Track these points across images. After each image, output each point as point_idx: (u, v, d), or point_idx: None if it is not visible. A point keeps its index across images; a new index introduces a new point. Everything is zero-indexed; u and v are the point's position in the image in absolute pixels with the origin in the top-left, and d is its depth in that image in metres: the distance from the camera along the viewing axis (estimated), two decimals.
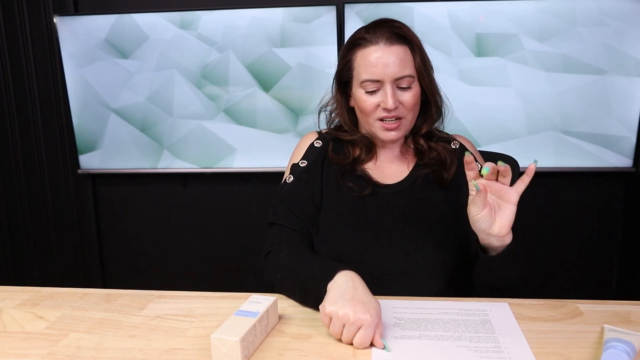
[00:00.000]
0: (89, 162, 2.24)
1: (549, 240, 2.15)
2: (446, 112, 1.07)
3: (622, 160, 1.98)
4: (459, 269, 0.97)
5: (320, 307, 0.76)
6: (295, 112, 2.09)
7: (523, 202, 2.32)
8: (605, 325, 0.78)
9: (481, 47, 1.96)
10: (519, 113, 1.99)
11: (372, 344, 0.73)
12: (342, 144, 1.07)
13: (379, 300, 0.78)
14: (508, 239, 0.85)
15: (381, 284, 0.96)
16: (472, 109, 2.01)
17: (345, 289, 0.75)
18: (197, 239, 2.33)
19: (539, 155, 2.00)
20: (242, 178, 2.23)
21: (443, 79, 1.95)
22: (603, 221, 2.12)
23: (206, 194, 2.27)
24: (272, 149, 2.13)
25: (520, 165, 1.92)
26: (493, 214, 0.84)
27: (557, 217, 2.12)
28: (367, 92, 0.97)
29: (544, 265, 2.17)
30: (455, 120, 1.99)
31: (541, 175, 2.06)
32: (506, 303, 0.88)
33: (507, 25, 1.94)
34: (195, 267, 2.36)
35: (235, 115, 2.12)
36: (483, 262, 0.89)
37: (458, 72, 1.99)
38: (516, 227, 0.85)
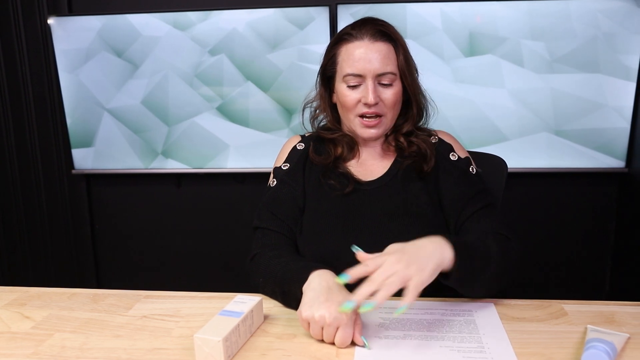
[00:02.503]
0: (83, 162, 2.24)
1: (542, 241, 2.15)
2: (432, 113, 1.08)
3: (614, 161, 1.99)
4: None
5: (297, 313, 0.76)
6: (289, 112, 2.10)
7: (516, 203, 2.32)
8: (588, 326, 0.78)
9: (474, 47, 1.97)
10: (511, 114, 2.00)
11: (354, 342, 0.74)
12: (323, 143, 1.08)
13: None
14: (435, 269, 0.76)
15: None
16: (465, 110, 2.01)
17: (319, 290, 0.76)
18: (191, 239, 2.33)
19: (532, 155, 2.00)
20: (235, 178, 2.23)
21: (435, 79, 1.97)
22: (596, 221, 2.12)
23: (200, 194, 2.28)
24: (265, 149, 2.13)
25: (513, 166, 1.93)
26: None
27: (550, 217, 2.13)
28: (349, 87, 0.98)
29: (537, 265, 2.18)
30: (447, 122, 2.00)
31: (534, 176, 2.08)
32: (492, 303, 0.88)
33: (500, 25, 1.94)
34: (190, 267, 2.36)
35: (229, 114, 2.12)
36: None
37: (450, 73, 1.99)
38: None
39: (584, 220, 2.13)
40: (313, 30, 2.01)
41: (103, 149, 2.22)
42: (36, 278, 2.38)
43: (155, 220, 2.34)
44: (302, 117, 1.11)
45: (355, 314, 0.74)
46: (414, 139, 1.04)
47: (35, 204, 2.33)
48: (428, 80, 2.10)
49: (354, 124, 1.01)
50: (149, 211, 2.33)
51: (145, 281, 2.39)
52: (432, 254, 0.76)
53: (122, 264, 2.41)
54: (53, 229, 2.36)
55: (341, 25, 1.95)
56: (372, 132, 1.00)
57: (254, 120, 2.12)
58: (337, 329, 0.72)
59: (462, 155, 1.05)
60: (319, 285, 0.77)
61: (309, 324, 0.74)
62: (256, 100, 2.10)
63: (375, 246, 0.97)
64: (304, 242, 1.00)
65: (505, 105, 1.99)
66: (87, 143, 2.22)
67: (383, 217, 0.98)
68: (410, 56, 1.02)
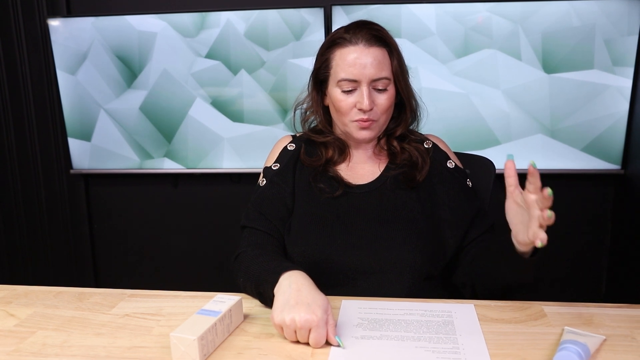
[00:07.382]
0: (81, 160, 2.25)
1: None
2: (422, 115, 1.08)
3: (610, 163, 1.98)
4: (429, 267, 0.97)
5: (270, 318, 0.77)
6: (285, 110, 2.11)
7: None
8: (565, 327, 0.78)
9: (470, 46, 1.97)
10: (506, 116, 2.00)
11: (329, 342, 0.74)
12: (314, 145, 1.08)
13: (348, 299, 0.79)
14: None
15: (352, 283, 0.97)
16: (461, 111, 2.01)
17: (289, 293, 0.76)
18: (189, 239, 2.35)
19: (526, 157, 1.99)
20: (231, 178, 2.24)
21: (431, 79, 1.97)
22: (592, 223, 2.12)
23: (197, 194, 2.29)
24: (260, 144, 2.14)
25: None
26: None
27: None
28: (344, 92, 0.98)
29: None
30: (442, 124, 2.00)
31: None
32: (472, 304, 0.88)
33: (495, 24, 1.94)
34: (188, 266, 2.37)
35: (226, 112, 2.14)
36: (517, 262, 0.86)
37: (447, 72, 1.99)
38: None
39: (580, 222, 2.12)
40: (308, 31, 2.02)
41: (100, 145, 2.23)
42: (35, 277, 2.40)
43: (153, 219, 2.35)
44: (294, 118, 1.12)
45: (326, 314, 0.75)
46: (406, 146, 1.04)
47: (34, 204, 2.35)
48: (424, 80, 2.08)
49: (348, 127, 1.01)
50: (146, 211, 2.35)
51: (143, 280, 2.41)
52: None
53: (120, 263, 2.43)
54: (52, 228, 2.38)
55: (336, 26, 1.96)
56: (366, 134, 1.00)
57: (249, 117, 2.13)
58: (310, 330, 0.73)
59: (458, 164, 1.06)
60: (289, 287, 0.78)
61: (281, 328, 0.75)
62: (252, 101, 2.11)
63: (362, 249, 0.97)
64: (291, 243, 1.01)
65: (500, 107, 1.99)
66: (84, 136, 2.24)
67: (372, 221, 0.99)
68: (403, 59, 1.01)
